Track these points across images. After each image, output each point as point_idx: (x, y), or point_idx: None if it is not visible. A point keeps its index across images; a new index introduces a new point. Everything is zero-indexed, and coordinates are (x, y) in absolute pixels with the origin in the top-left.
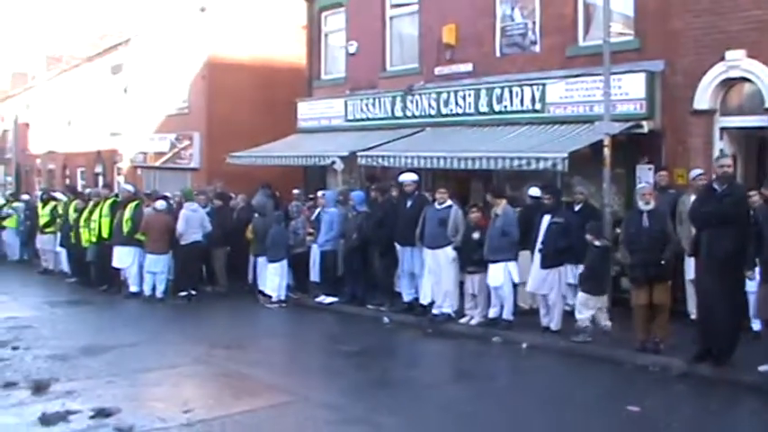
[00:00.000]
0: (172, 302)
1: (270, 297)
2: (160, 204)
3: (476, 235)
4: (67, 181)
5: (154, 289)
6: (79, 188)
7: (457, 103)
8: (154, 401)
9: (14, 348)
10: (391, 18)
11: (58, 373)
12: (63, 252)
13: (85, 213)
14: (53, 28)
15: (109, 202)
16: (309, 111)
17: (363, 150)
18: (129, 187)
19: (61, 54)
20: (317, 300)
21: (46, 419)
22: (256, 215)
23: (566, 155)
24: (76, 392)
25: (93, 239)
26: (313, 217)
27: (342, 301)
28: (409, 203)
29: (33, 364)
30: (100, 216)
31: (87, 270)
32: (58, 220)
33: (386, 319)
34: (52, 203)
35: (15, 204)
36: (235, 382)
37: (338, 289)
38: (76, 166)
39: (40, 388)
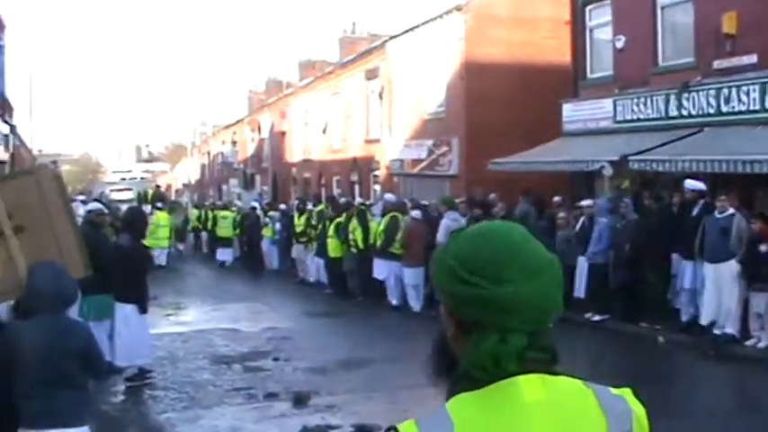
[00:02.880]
0: (431, 316)
1: None
2: (416, 213)
3: (763, 247)
4: (323, 190)
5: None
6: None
7: (740, 100)
8: None
9: (275, 359)
10: (662, 8)
11: (318, 385)
12: (320, 262)
13: (338, 223)
14: (306, 34)
15: (361, 211)
16: (574, 112)
17: (635, 154)
18: (392, 196)
19: (314, 61)
20: (586, 316)
21: None
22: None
23: None
24: (336, 407)
25: (354, 250)
26: (578, 227)
27: (612, 318)
28: (694, 212)
29: (293, 376)
30: (354, 226)
31: (344, 281)
32: (312, 231)
33: (661, 339)
34: (307, 213)
35: (272, 213)
36: None
37: (608, 305)
38: (332, 174)
39: (300, 400)
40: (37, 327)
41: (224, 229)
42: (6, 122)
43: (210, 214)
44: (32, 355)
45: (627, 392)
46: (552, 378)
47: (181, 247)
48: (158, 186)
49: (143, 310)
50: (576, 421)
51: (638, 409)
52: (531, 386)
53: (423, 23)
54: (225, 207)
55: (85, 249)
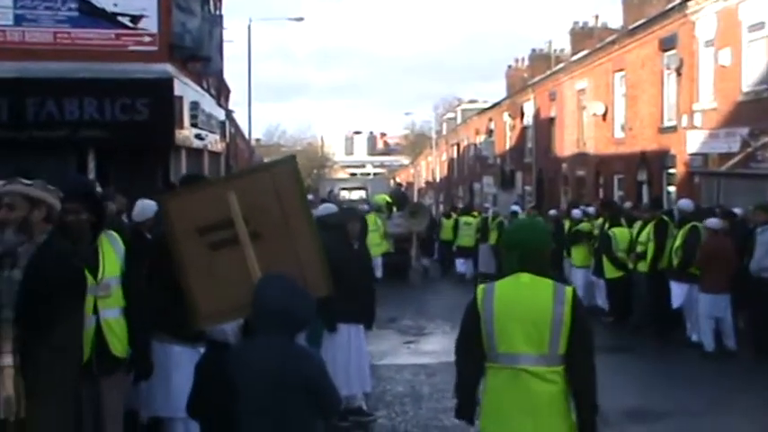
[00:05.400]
0: (741, 360)
1: None
2: (713, 222)
3: None
4: (601, 191)
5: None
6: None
7: None
8: None
9: None
10: None
11: None
12: (599, 282)
13: (606, 234)
14: None
15: (655, 222)
16: None
17: None
18: (688, 203)
19: (592, 27)
20: None
21: None
22: None
23: None
24: None
25: (645, 268)
26: None
27: None
28: None
29: None
30: (647, 240)
31: (629, 307)
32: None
33: None
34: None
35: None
36: None
37: None
38: (613, 172)
39: None
40: (259, 350)
41: (466, 238)
42: (222, 107)
43: (447, 222)
44: (252, 383)
45: (568, 287)
46: (535, 276)
47: (425, 261)
48: (399, 185)
49: (368, 326)
50: (540, 288)
51: (569, 291)
52: (524, 277)
53: None
54: (467, 211)
55: (327, 263)
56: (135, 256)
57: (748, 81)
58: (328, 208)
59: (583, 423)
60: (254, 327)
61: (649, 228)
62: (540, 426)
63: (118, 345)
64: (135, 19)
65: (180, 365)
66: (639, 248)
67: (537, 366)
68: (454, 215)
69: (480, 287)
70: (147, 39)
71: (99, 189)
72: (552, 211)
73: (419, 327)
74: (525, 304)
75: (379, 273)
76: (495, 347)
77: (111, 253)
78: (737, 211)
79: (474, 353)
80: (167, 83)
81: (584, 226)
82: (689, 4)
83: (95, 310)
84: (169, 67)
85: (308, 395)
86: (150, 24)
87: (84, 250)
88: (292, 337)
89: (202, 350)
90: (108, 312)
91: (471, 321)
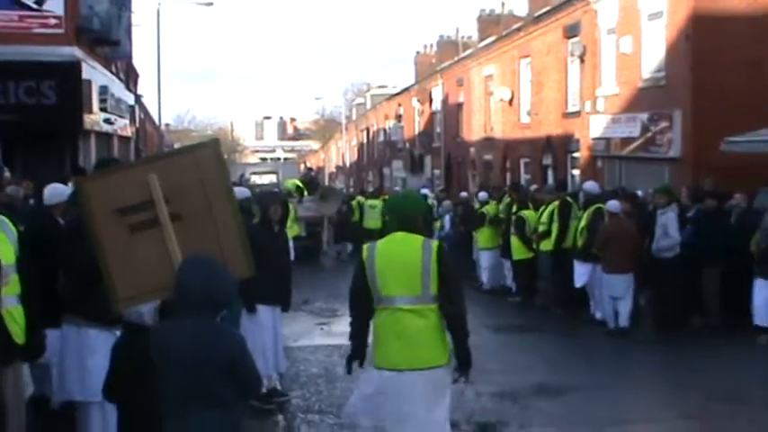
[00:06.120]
0: (643, 337)
1: None
2: (613, 205)
3: None
4: (508, 175)
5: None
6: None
7: None
8: None
9: (453, 381)
10: None
11: (507, 415)
12: (506, 264)
13: (519, 217)
14: None
15: (559, 202)
16: None
17: None
18: (593, 185)
19: (498, 15)
20: None
21: None
22: None
23: None
24: None
25: (550, 247)
26: None
27: None
28: None
29: (477, 403)
30: (550, 221)
31: (535, 287)
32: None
33: None
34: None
35: (446, 203)
36: None
37: None
38: (519, 156)
39: None
40: (181, 331)
41: (372, 221)
42: (131, 92)
43: (355, 202)
44: (174, 364)
45: (434, 241)
46: (409, 233)
47: (337, 246)
48: (309, 169)
49: (286, 307)
50: (411, 243)
51: (435, 244)
52: (399, 235)
53: None
54: (376, 194)
55: (249, 246)
56: (46, 240)
57: (648, 68)
58: (240, 192)
59: (458, 347)
60: (174, 308)
61: (552, 207)
62: (413, 350)
63: (19, 333)
64: (40, 0)
65: (95, 349)
66: (541, 228)
67: (412, 305)
68: (360, 198)
69: (365, 246)
70: (52, 21)
71: (7, 174)
72: (463, 194)
73: (332, 309)
74: (400, 256)
75: (291, 256)
76: (379, 292)
77: (5, 239)
78: (639, 193)
79: (363, 299)
80: (75, 66)
81: (489, 208)
82: None
83: None
84: (76, 51)
85: (230, 375)
86: (56, 6)
87: None
88: (213, 318)
89: (119, 333)
90: (7, 300)
91: (359, 273)
